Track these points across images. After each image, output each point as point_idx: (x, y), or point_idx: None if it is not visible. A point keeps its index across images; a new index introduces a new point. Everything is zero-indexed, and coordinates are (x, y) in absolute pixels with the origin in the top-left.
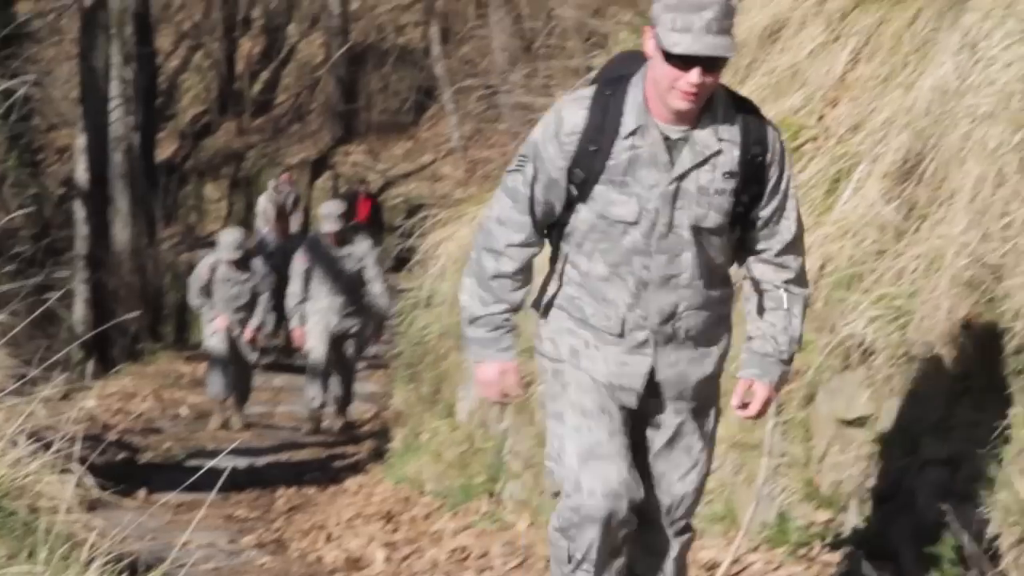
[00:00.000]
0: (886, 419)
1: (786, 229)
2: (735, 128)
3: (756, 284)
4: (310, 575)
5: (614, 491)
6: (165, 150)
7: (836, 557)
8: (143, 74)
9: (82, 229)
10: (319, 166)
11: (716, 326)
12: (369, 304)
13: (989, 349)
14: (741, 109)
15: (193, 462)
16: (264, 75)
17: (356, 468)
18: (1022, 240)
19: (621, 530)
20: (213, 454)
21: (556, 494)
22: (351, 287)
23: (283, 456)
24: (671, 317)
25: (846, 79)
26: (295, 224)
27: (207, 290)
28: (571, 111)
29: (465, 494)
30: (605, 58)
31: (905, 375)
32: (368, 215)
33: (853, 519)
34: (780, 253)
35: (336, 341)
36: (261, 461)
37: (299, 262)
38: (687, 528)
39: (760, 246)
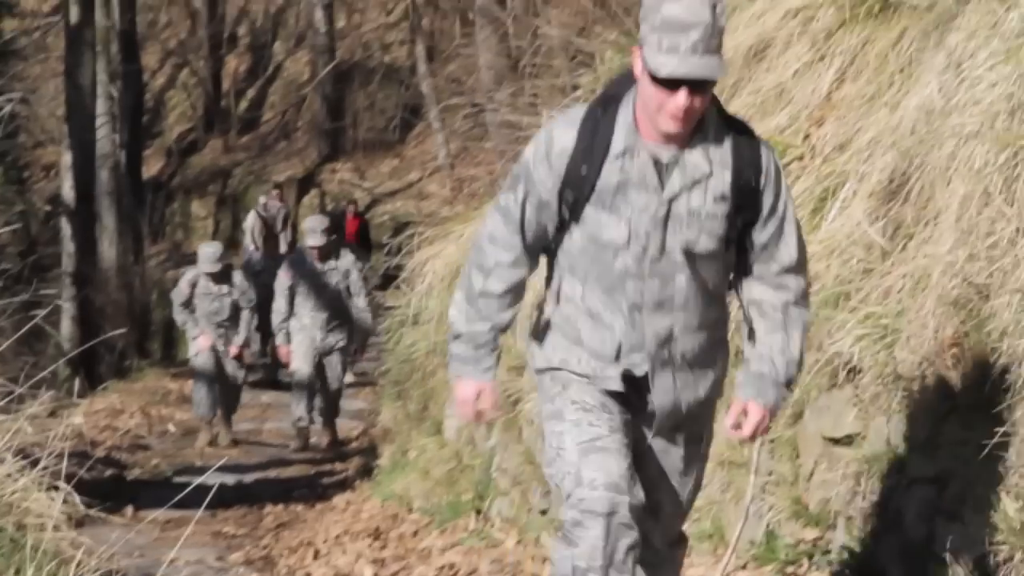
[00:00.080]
0: (873, 438)
1: (786, 254)
2: (727, 150)
3: (756, 305)
4: None
5: (615, 483)
6: (152, 167)
7: (824, 575)
8: (129, 92)
9: (69, 246)
10: (306, 184)
11: (712, 348)
12: (353, 318)
13: (976, 368)
14: (734, 131)
15: (181, 479)
16: (250, 93)
17: (344, 485)
18: (1008, 259)
19: (622, 537)
20: (201, 471)
21: (547, 493)
22: (335, 302)
23: (271, 473)
24: (667, 340)
25: (832, 98)
26: (285, 242)
27: (189, 305)
28: (561, 131)
29: (453, 511)
30: (591, 77)
31: (892, 394)
32: (356, 233)
33: (841, 537)
34: (779, 274)
35: (321, 356)
36: (249, 478)
37: (283, 278)
38: (680, 537)
39: (758, 269)
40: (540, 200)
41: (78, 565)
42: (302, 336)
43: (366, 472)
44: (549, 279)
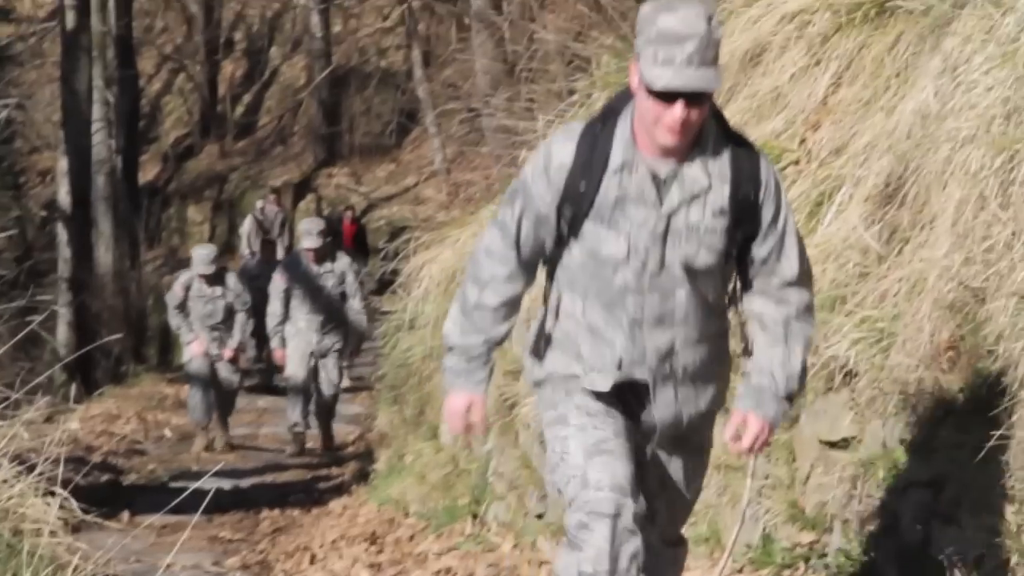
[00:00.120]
0: (870, 441)
1: (787, 268)
2: (726, 164)
3: (757, 319)
4: None
5: (621, 486)
6: (148, 173)
7: None
8: (125, 97)
9: (65, 252)
10: (302, 189)
11: (713, 361)
12: (348, 320)
13: (972, 371)
14: (734, 144)
15: (177, 484)
16: (246, 98)
17: (340, 490)
18: (1004, 263)
19: (626, 543)
20: (197, 476)
21: (543, 498)
22: (331, 305)
23: (267, 478)
24: (668, 355)
25: (828, 103)
26: (282, 247)
27: (183, 308)
28: (560, 146)
29: (449, 516)
30: (587, 81)
31: (888, 397)
32: (353, 239)
33: (837, 540)
34: (780, 288)
35: (317, 359)
36: (245, 483)
37: (279, 281)
38: (679, 539)
39: (760, 283)
40: (538, 215)
41: (74, 570)
42: (297, 341)
43: (362, 477)
44: (548, 294)
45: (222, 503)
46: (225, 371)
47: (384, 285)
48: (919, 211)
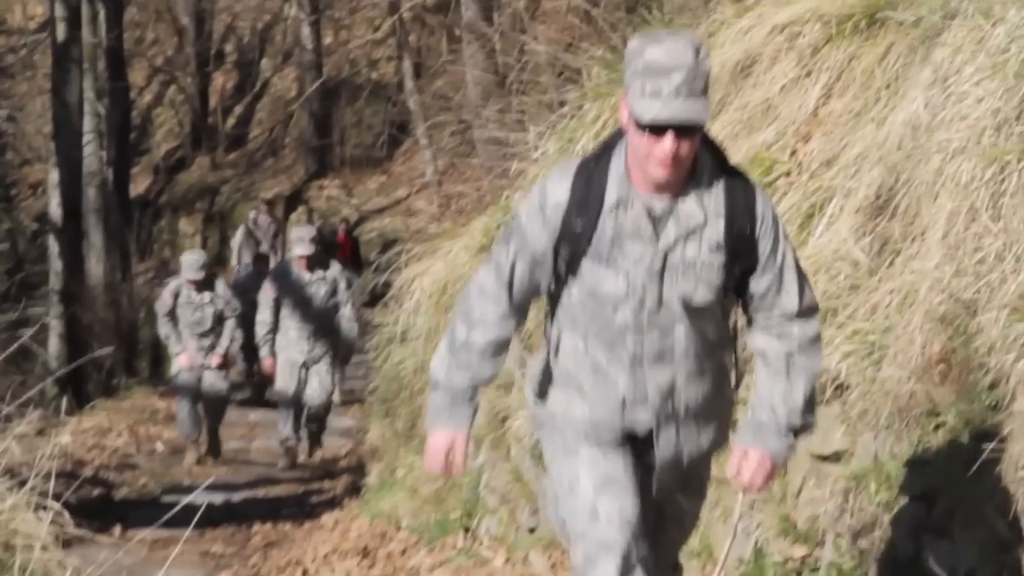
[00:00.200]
0: (861, 454)
1: (787, 302)
2: (721, 198)
3: (760, 354)
4: None
5: (631, 523)
6: (139, 185)
7: None
8: (116, 109)
9: (56, 264)
10: (293, 201)
11: (715, 399)
12: (338, 328)
13: (963, 384)
14: (728, 178)
15: (169, 498)
16: (237, 110)
17: (332, 504)
18: (995, 275)
19: None
20: (189, 490)
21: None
22: (322, 313)
23: (259, 492)
24: (670, 393)
25: (818, 114)
26: (274, 260)
27: (172, 315)
28: (555, 185)
29: (441, 529)
30: (578, 93)
31: (880, 410)
32: (348, 253)
33: (829, 554)
34: (781, 323)
35: (307, 367)
36: (237, 497)
37: (268, 290)
38: (676, 565)
39: (760, 318)
40: (534, 256)
41: None
42: (287, 353)
43: (354, 490)
44: (548, 332)
45: (214, 517)
46: (212, 377)
47: (375, 298)
48: (910, 223)
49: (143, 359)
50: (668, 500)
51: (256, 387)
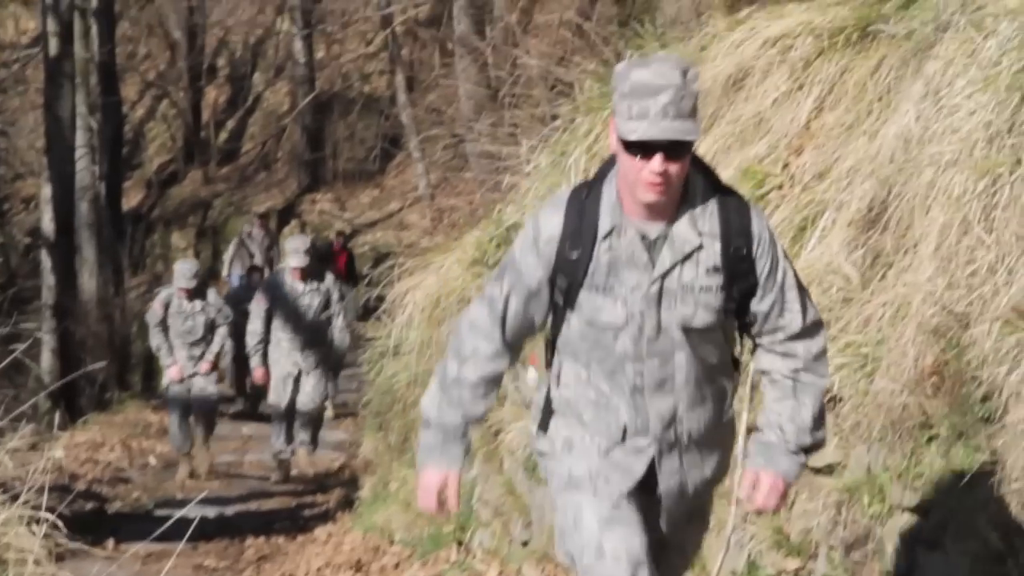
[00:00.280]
0: (854, 467)
1: (791, 322)
2: (715, 220)
3: (766, 375)
4: None
5: (637, 557)
6: (131, 199)
7: None
8: (109, 123)
9: (49, 279)
10: (286, 214)
11: (718, 426)
12: (331, 339)
13: (956, 396)
14: (722, 199)
15: (162, 512)
16: (230, 124)
17: (325, 517)
18: (988, 287)
19: None
20: (182, 503)
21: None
22: (315, 324)
23: (252, 505)
24: (671, 421)
25: (810, 127)
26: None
27: (164, 326)
28: (547, 218)
29: (434, 543)
30: (570, 106)
31: (873, 423)
32: (344, 264)
33: (822, 567)
34: (785, 343)
35: (299, 377)
36: (230, 510)
37: (260, 302)
38: None
39: (764, 339)
40: (529, 291)
41: None
42: (279, 367)
43: (347, 504)
44: (549, 365)
45: (207, 531)
46: (201, 382)
47: (368, 311)
48: (902, 235)
49: (136, 373)
50: (672, 529)
51: (249, 400)
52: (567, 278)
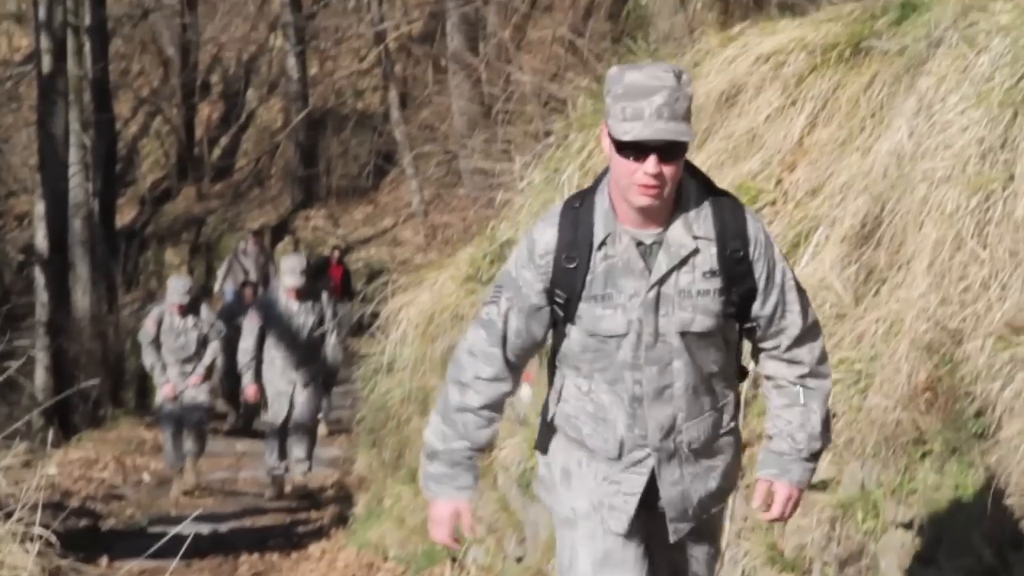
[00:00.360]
0: (848, 483)
1: (792, 324)
2: (710, 224)
3: (772, 381)
4: None
5: None
6: (125, 216)
7: None
8: (102, 140)
9: (42, 296)
10: (279, 231)
11: (720, 436)
12: (324, 356)
13: (949, 412)
14: (716, 202)
15: (156, 529)
16: (223, 141)
17: (319, 534)
18: (981, 303)
19: None
20: (176, 520)
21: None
22: (308, 342)
23: (246, 522)
24: (671, 431)
25: (803, 143)
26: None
27: (156, 343)
28: (541, 232)
29: (428, 559)
30: (563, 123)
31: (866, 439)
32: (340, 281)
33: None
34: (790, 348)
35: (293, 394)
36: (224, 527)
37: (253, 319)
38: None
39: (768, 344)
40: (529, 306)
41: None
42: (274, 386)
43: (341, 520)
44: (551, 381)
45: (201, 548)
46: (192, 392)
47: (362, 328)
48: (895, 251)
49: (129, 390)
50: (681, 556)
51: (243, 416)
52: (565, 290)
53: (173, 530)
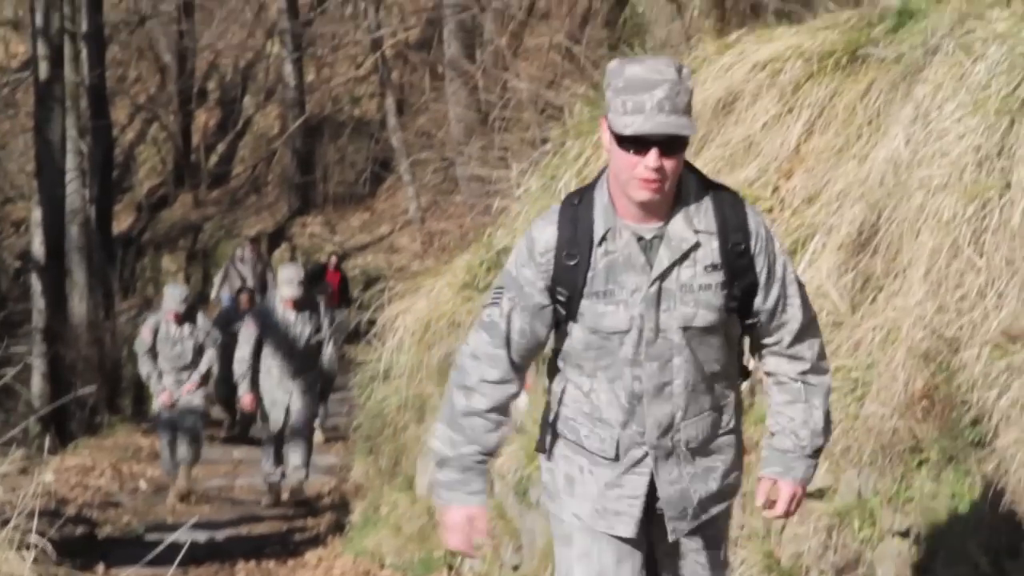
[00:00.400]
0: (845, 491)
1: (793, 318)
2: (711, 217)
3: (772, 377)
4: None
5: None
6: (122, 222)
7: None
8: (99, 147)
9: (39, 302)
10: (276, 238)
11: (719, 435)
12: (321, 366)
13: (946, 420)
14: (716, 196)
15: (152, 536)
16: (220, 147)
17: (316, 541)
18: (978, 311)
19: None
20: (172, 528)
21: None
22: (305, 352)
23: (243, 529)
24: (668, 429)
25: (800, 151)
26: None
27: (153, 353)
28: (541, 230)
29: (425, 567)
30: (560, 130)
31: (863, 447)
32: (338, 288)
33: None
34: (792, 344)
35: (290, 403)
36: (220, 534)
37: (249, 328)
38: None
39: (770, 339)
40: (531, 305)
41: None
42: (271, 395)
43: (338, 528)
44: (551, 383)
45: (197, 555)
46: (187, 396)
47: (359, 335)
48: (892, 259)
49: (126, 397)
50: (684, 563)
51: (239, 424)
52: (567, 288)
53: (170, 537)
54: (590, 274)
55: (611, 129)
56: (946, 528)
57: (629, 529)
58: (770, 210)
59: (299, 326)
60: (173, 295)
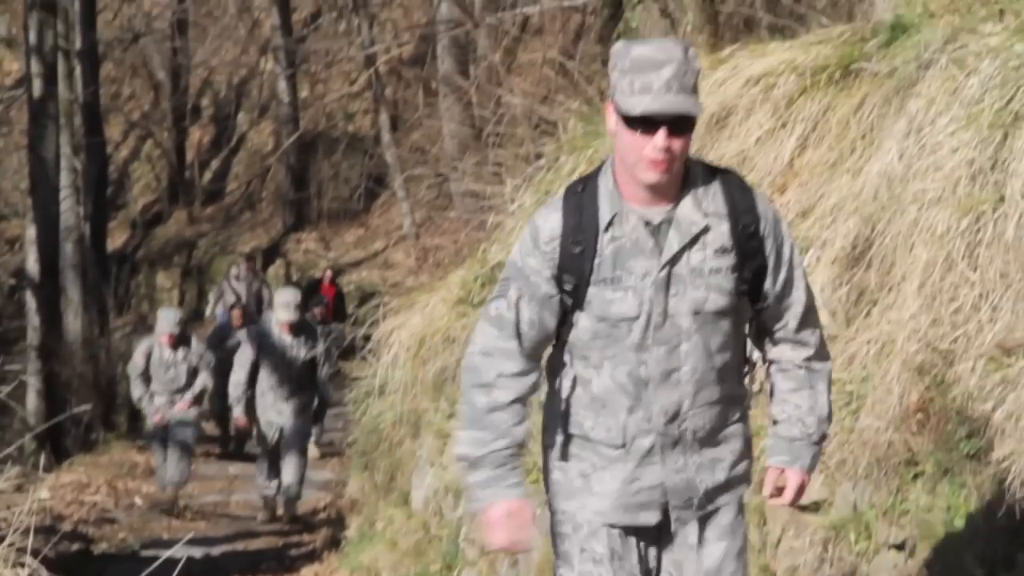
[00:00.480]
0: (840, 504)
1: (797, 300)
2: (720, 200)
3: (776, 365)
4: None
5: None
6: (116, 239)
7: None
8: (93, 164)
9: (34, 320)
10: (271, 254)
11: (727, 425)
12: (317, 387)
13: (941, 433)
14: (724, 180)
15: (148, 552)
16: (214, 164)
17: (312, 557)
18: (972, 324)
19: None
20: (168, 544)
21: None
22: (301, 373)
23: (238, 545)
24: (675, 417)
25: (794, 165)
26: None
27: (146, 377)
28: (545, 218)
29: None
30: (554, 145)
31: (858, 460)
32: (333, 301)
33: None
34: (797, 330)
35: (283, 425)
36: (216, 550)
37: (246, 352)
38: None
39: (776, 325)
40: (538, 294)
41: None
42: (266, 417)
43: (334, 543)
44: (552, 379)
45: (193, 571)
46: (179, 413)
47: (354, 350)
48: (886, 273)
49: (121, 414)
50: (703, 557)
51: (234, 440)
52: (574, 276)
53: (165, 553)
54: (597, 261)
55: (618, 111)
56: (942, 541)
57: (655, 517)
58: None
59: (295, 349)
60: (167, 318)
